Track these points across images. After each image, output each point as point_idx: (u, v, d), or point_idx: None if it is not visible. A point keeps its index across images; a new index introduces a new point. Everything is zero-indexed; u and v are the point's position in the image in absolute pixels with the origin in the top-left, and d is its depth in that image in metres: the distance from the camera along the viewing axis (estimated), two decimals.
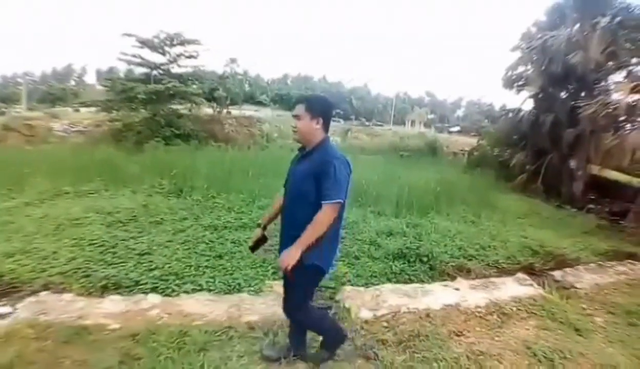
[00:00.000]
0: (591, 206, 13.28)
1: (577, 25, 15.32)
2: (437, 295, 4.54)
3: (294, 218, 2.81)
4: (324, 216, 2.57)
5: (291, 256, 2.56)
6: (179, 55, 22.17)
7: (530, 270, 6.33)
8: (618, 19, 14.12)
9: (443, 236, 7.10)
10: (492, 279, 5.39)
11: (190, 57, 22.27)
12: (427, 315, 4.06)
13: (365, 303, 4.21)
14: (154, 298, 4.22)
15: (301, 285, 2.83)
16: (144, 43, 21.12)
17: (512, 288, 4.97)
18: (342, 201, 2.61)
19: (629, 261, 6.90)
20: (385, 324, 3.83)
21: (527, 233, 8.17)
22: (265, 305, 4.11)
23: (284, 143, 22.17)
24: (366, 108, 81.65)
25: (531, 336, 3.87)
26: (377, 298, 4.34)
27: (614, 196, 13.93)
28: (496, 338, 3.77)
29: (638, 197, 11.80)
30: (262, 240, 3.15)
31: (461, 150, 26.92)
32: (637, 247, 8.43)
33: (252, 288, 4.74)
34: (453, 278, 5.53)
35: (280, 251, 2.83)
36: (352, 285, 4.92)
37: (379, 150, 26.06)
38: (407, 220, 7.92)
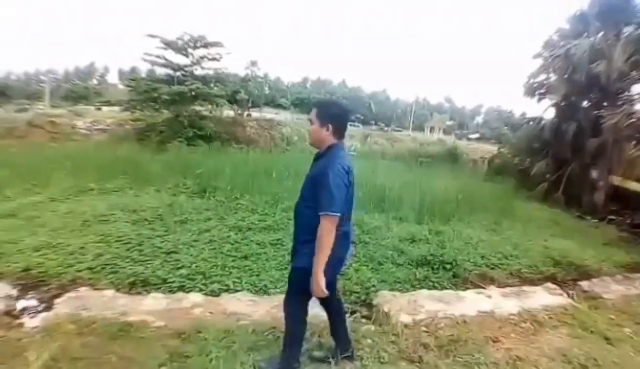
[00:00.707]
0: (612, 217, 13.06)
1: (601, 34, 15.22)
2: (471, 302, 4.69)
3: (298, 222, 2.95)
4: (322, 229, 2.63)
5: (316, 283, 2.65)
6: (202, 58, 22.27)
7: (552, 280, 6.29)
8: None
9: (465, 244, 7.11)
10: (523, 287, 5.49)
11: (213, 59, 22.37)
12: (464, 321, 4.21)
13: (403, 307, 4.33)
14: (195, 297, 4.30)
15: (298, 284, 2.91)
16: (168, 44, 21.26)
17: (543, 297, 5.10)
18: (336, 213, 2.63)
19: None
20: (424, 328, 3.96)
21: (549, 243, 8.12)
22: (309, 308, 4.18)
23: (304, 146, 22.04)
24: (385, 114, 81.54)
25: (564, 344, 4.00)
26: (414, 303, 4.46)
27: (636, 208, 13.69)
28: (531, 345, 3.91)
29: None
30: None
31: (481, 158, 26.67)
32: None
33: (278, 290, 4.74)
34: (476, 286, 5.59)
35: (291, 255, 3.04)
36: (376, 291, 4.95)
37: (398, 155, 26.01)
38: (429, 227, 7.94)
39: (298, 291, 2.95)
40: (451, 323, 4.14)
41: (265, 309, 4.08)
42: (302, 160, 12.34)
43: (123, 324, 3.55)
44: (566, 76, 15.50)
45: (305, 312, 3.08)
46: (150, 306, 3.98)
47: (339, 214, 2.64)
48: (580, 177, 14.98)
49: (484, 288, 5.49)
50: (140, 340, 3.38)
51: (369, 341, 3.63)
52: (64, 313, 3.70)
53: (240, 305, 4.16)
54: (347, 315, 4.01)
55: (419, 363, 3.39)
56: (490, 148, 31.43)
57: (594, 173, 14.98)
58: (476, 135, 67.33)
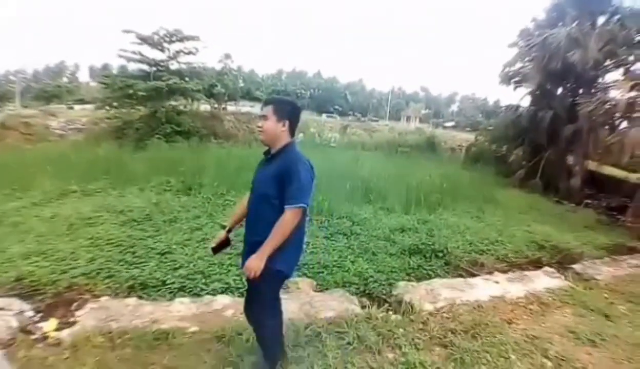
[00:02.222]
0: (588, 201, 13.50)
1: (576, 23, 15.51)
2: (482, 288, 4.90)
3: (257, 222, 2.81)
4: (287, 221, 2.58)
5: (257, 264, 2.57)
6: (178, 52, 22.16)
7: (537, 264, 6.48)
8: (617, 17, 14.39)
9: (453, 232, 7.26)
10: (525, 272, 5.72)
11: (189, 53, 22.27)
12: (479, 306, 4.42)
13: (423, 296, 4.47)
14: (224, 299, 4.25)
15: (267, 289, 2.84)
16: (144, 40, 21.06)
17: (544, 281, 5.35)
18: (305, 206, 2.63)
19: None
20: (446, 315, 4.13)
21: (531, 228, 8.34)
22: (337, 302, 4.28)
23: None
24: (361, 104, 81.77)
25: (570, 322, 4.28)
26: (432, 292, 4.62)
27: (611, 192, 14.14)
28: (542, 325, 4.17)
29: (636, 193, 12.01)
30: (225, 243, 3.13)
31: (459, 146, 27.12)
32: (638, 241, 8.68)
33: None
34: (468, 273, 5.75)
35: (243, 256, 2.84)
36: (375, 281, 5.09)
37: (377, 145, 26.19)
38: (417, 217, 8.07)
39: (273, 292, 2.93)
40: (469, 308, 4.34)
41: (295, 307, 4.08)
42: None
43: (158, 333, 3.46)
44: (542, 64, 15.74)
45: (277, 315, 3.03)
46: (180, 311, 3.90)
47: (306, 206, 2.65)
48: (557, 163, 15.36)
49: (476, 274, 5.65)
50: (180, 347, 3.33)
51: (401, 330, 3.74)
52: (91, 326, 3.54)
53: None
54: (375, 308, 4.18)
55: (451, 346, 3.56)
56: (467, 137, 31.91)
57: (570, 159, 15.41)
58: (452, 123, 67.86)
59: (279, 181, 2.65)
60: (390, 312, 4.18)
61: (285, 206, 2.59)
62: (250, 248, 2.74)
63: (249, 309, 3.04)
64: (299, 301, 4.20)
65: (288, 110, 2.82)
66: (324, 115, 51.67)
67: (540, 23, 17.92)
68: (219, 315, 3.88)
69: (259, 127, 2.87)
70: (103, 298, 4.17)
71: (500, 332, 3.87)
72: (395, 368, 3.22)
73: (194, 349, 3.30)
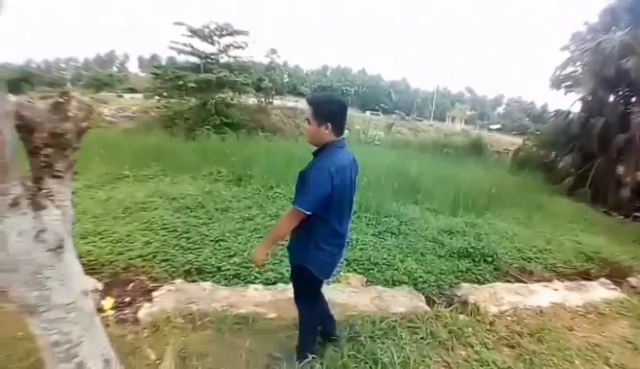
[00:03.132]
0: (638, 214, 13.05)
1: (630, 29, 15.13)
2: (542, 294, 4.96)
3: None
4: (282, 218, 2.71)
5: (256, 254, 2.80)
6: (227, 46, 22.53)
7: (586, 275, 6.40)
8: None
9: (502, 238, 7.23)
10: (582, 282, 5.73)
11: (238, 47, 22.61)
12: (541, 312, 4.51)
13: (487, 299, 4.58)
14: None
15: (298, 284, 3.00)
16: (195, 32, 21.51)
17: (601, 291, 5.36)
18: (301, 210, 2.58)
19: None
20: (510, 318, 4.26)
21: (580, 238, 8.19)
22: (406, 298, 4.43)
23: None
24: (405, 103, 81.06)
25: (627, 333, 4.31)
26: (495, 295, 4.72)
27: None
28: (602, 334, 4.22)
29: None
30: None
31: (505, 150, 26.65)
32: None
33: (330, 279, 4.86)
34: (517, 279, 5.77)
35: (288, 247, 2.98)
36: (424, 281, 5.18)
37: (422, 145, 25.96)
38: (464, 220, 8.06)
39: (304, 288, 3.01)
40: (532, 313, 4.44)
41: (367, 300, 4.24)
42: None
43: (237, 317, 3.58)
44: (595, 70, 15.41)
45: (317, 304, 3.12)
46: (256, 297, 4.00)
47: (307, 212, 2.58)
48: (607, 172, 14.95)
49: (523, 281, 5.69)
50: (261, 332, 3.43)
51: (470, 329, 3.86)
52: (170, 307, 3.64)
53: (343, 296, 4.29)
54: (444, 307, 4.30)
55: (519, 347, 3.70)
56: (513, 140, 31.35)
57: (621, 169, 14.99)
58: (497, 126, 66.47)
59: (303, 181, 2.70)
60: (459, 312, 4.26)
61: (292, 205, 2.65)
62: (291, 242, 2.91)
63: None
64: (369, 295, 4.35)
65: (329, 112, 2.73)
66: (367, 113, 51.50)
67: (593, 27, 17.55)
68: (293, 303, 4.03)
69: (306, 128, 2.88)
70: (178, 281, 4.32)
71: (563, 338, 3.97)
72: (470, 365, 3.34)
73: (275, 335, 3.42)
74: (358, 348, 3.30)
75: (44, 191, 1.81)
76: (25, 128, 1.73)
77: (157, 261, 4.87)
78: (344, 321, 3.71)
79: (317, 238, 2.73)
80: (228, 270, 4.83)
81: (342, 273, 4.94)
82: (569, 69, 18.42)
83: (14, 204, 1.65)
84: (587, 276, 6.40)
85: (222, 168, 9.89)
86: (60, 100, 1.82)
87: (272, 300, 3.99)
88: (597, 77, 15.51)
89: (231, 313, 3.62)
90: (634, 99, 15.51)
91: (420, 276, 5.27)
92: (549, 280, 5.79)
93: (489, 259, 6.16)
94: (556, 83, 18.69)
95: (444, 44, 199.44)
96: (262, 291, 4.17)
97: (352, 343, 3.37)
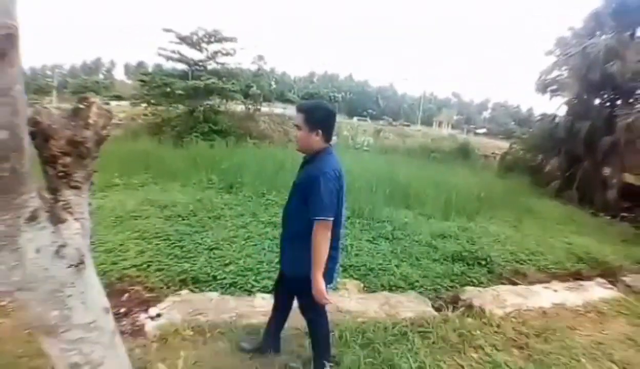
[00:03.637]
0: (625, 214, 13.20)
1: (615, 33, 15.41)
2: (543, 296, 5.13)
3: (287, 221, 2.95)
4: (315, 236, 2.61)
5: (318, 290, 2.64)
6: (216, 53, 22.46)
7: (577, 276, 6.49)
8: None
9: (494, 241, 7.28)
10: (581, 282, 5.91)
11: (227, 54, 22.53)
12: (544, 312, 4.66)
13: (491, 302, 4.68)
14: None
15: (299, 293, 2.97)
16: (183, 39, 21.42)
17: (598, 291, 5.55)
18: (327, 219, 2.61)
19: None
20: (515, 319, 4.36)
21: (570, 240, 8.28)
22: (413, 303, 4.51)
23: None
24: (392, 108, 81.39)
25: (628, 331, 4.47)
26: (498, 297, 4.84)
27: None
28: (603, 332, 4.36)
29: None
30: None
31: (492, 154, 26.82)
32: None
33: (328, 286, 4.84)
34: (511, 282, 5.83)
35: (281, 254, 3.01)
36: (420, 285, 5.23)
37: (410, 150, 26.07)
38: (457, 224, 8.13)
39: (308, 298, 2.87)
40: (535, 314, 4.56)
41: (375, 306, 4.29)
42: None
43: (248, 328, 3.59)
44: (581, 74, 15.64)
45: (323, 310, 3.06)
46: (264, 307, 3.88)
47: (332, 219, 2.63)
48: (593, 174, 15.17)
49: (517, 283, 5.77)
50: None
51: (479, 332, 3.94)
52: (178, 319, 3.63)
53: (351, 303, 4.33)
54: (450, 310, 4.39)
55: (527, 348, 3.79)
56: (499, 144, 31.65)
57: (607, 171, 15.19)
58: (484, 130, 66.99)
59: (303, 189, 2.71)
60: (466, 316, 4.34)
61: (313, 219, 2.61)
62: (282, 243, 2.95)
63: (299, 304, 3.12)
64: (377, 301, 4.41)
65: (320, 118, 2.79)
66: (355, 119, 51.61)
67: (578, 32, 17.80)
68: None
69: (295, 136, 2.93)
70: (183, 292, 4.31)
71: (567, 337, 4.09)
72: (483, 367, 3.41)
73: (289, 344, 3.41)
74: (374, 354, 3.34)
75: (62, 203, 1.71)
76: (40, 135, 1.62)
77: (152, 271, 4.80)
78: (357, 327, 3.74)
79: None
80: (224, 278, 4.79)
81: (338, 279, 4.97)
82: (555, 73, 18.70)
83: (32, 217, 1.55)
84: (579, 276, 6.51)
85: (213, 176, 9.89)
86: (81, 106, 1.74)
87: None
88: (582, 80, 15.80)
89: (241, 324, 3.60)
90: (619, 102, 15.79)
91: (417, 281, 5.31)
92: (543, 282, 5.89)
93: (483, 262, 6.22)
94: (542, 87, 18.95)
95: (430, 49, 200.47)
96: (270, 300, 4.00)
97: (367, 349, 3.41)
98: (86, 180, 1.87)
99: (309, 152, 2.83)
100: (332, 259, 2.82)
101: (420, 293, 5.03)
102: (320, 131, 2.74)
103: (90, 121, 1.74)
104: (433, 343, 3.66)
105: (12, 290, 1.60)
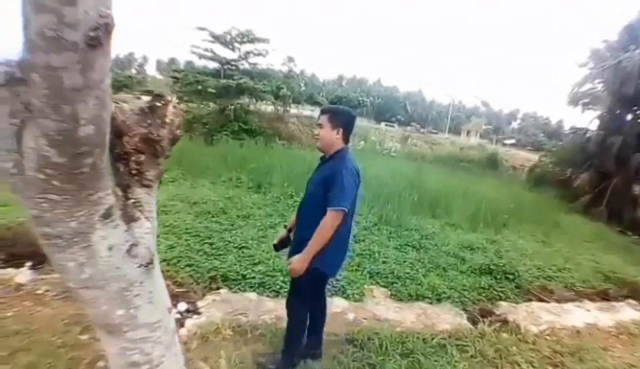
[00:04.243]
0: None
1: None
2: (576, 314, 5.17)
3: (305, 220, 3.00)
4: (327, 222, 2.72)
5: (300, 265, 2.75)
6: (248, 53, 22.63)
7: (604, 296, 6.40)
8: None
9: (522, 255, 7.25)
10: (613, 303, 5.93)
11: (259, 55, 22.68)
12: (578, 332, 4.69)
13: (525, 318, 4.76)
14: (341, 302, 4.47)
15: (304, 284, 2.97)
16: (217, 38, 21.65)
17: (629, 312, 5.56)
18: (344, 209, 2.74)
19: None
20: (549, 338, 4.41)
21: (597, 258, 8.16)
22: (449, 315, 4.61)
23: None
24: (420, 115, 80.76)
25: None
26: (532, 314, 4.90)
27: None
28: (634, 354, 4.38)
29: None
30: (286, 242, 3.31)
31: (520, 165, 26.61)
32: None
33: (355, 291, 4.85)
34: (538, 298, 5.79)
35: (290, 250, 3.06)
36: (447, 297, 5.21)
37: (438, 158, 25.99)
38: (484, 236, 8.09)
39: (305, 292, 3.07)
40: (569, 333, 4.60)
41: (412, 316, 4.40)
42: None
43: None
44: (614, 88, 15.45)
45: (307, 311, 3.18)
46: None
47: (346, 209, 2.76)
48: (624, 191, 14.92)
49: (545, 300, 5.74)
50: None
51: (515, 348, 4.00)
52: (218, 318, 3.67)
53: (388, 312, 4.41)
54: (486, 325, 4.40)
55: (562, 367, 3.85)
56: (528, 156, 31.35)
57: (637, 189, 14.95)
58: (512, 141, 65.80)
59: (325, 183, 2.83)
60: (501, 331, 4.38)
61: (328, 208, 2.74)
62: (298, 244, 2.97)
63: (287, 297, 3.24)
64: (414, 312, 4.50)
65: (342, 119, 2.98)
66: (383, 124, 51.39)
67: (612, 45, 17.50)
68: (341, 318, 4.10)
69: (316, 135, 3.11)
70: (222, 291, 4.39)
71: (601, 357, 4.10)
72: None
73: (328, 350, 3.46)
74: (414, 365, 3.42)
75: (133, 201, 1.68)
76: (114, 130, 1.55)
77: (182, 266, 4.87)
78: (397, 337, 3.80)
79: (333, 237, 2.79)
80: (253, 278, 4.83)
81: (365, 286, 5.11)
82: (587, 86, 18.42)
83: (107, 215, 1.51)
84: (605, 296, 6.42)
85: (242, 175, 10.00)
86: (157, 104, 1.71)
87: None
88: (616, 94, 15.56)
89: (282, 326, 3.57)
90: None
91: (444, 292, 5.30)
92: (570, 300, 5.88)
93: (511, 277, 6.16)
94: (574, 100, 18.70)
95: (461, 57, 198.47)
96: None
97: (407, 359, 3.48)
98: (157, 178, 1.82)
99: (329, 150, 3.00)
100: (342, 251, 3.05)
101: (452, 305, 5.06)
102: (341, 130, 2.95)
103: (167, 120, 1.73)
104: (471, 356, 3.72)
105: (80, 287, 1.58)
